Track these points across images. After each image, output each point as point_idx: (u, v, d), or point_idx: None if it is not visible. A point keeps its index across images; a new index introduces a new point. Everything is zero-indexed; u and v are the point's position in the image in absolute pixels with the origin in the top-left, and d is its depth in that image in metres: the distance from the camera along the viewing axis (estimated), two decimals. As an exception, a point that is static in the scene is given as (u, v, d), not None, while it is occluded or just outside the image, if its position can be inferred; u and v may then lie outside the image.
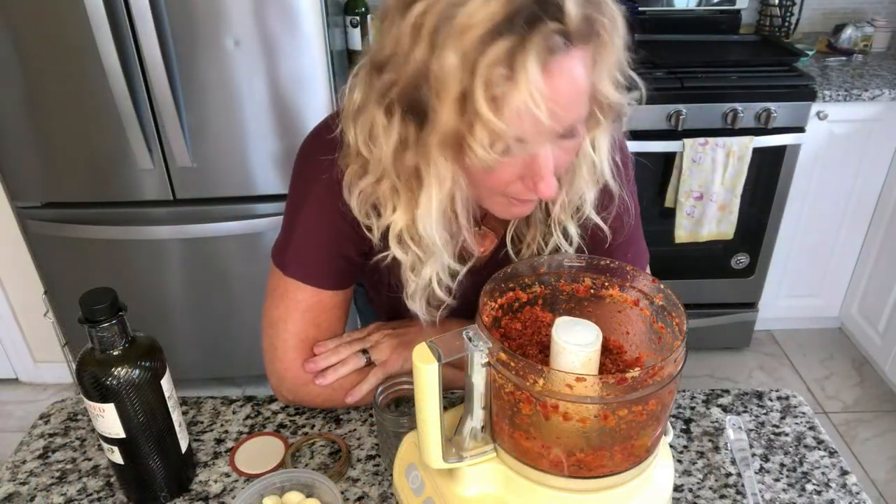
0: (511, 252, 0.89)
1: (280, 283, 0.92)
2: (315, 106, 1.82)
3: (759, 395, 1.00)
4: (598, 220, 0.83)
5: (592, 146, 0.76)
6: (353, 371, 0.94)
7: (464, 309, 0.93)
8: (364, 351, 0.95)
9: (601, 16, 0.64)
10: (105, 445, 0.81)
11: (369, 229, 0.81)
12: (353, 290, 0.99)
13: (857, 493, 0.85)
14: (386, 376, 0.93)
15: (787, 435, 0.93)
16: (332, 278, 0.92)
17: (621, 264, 0.72)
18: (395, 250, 0.80)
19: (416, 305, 0.85)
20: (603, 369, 0.68)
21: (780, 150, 2.10)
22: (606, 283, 0.72)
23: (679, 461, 0.89)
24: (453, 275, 0.87)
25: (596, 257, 0.73)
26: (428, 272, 0.81)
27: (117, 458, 0.81)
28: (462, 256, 0.87)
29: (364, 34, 2.21)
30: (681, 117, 2.02)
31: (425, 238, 0.76)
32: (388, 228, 0.79)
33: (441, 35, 0.61)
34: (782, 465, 0.89)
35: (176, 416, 0.83)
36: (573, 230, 0.84)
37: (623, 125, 0.77)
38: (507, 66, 0.59)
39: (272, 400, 1.00)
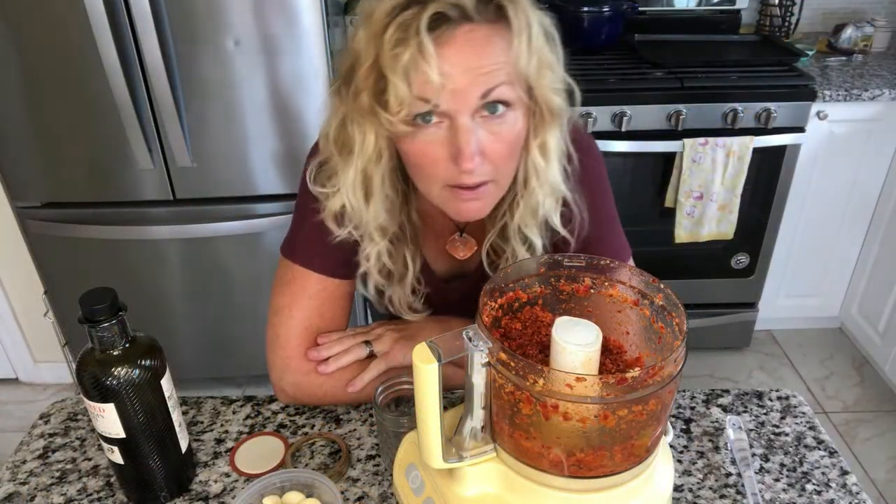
0: (486, 264, 0.93)
1: (288, 272, 0.95)
2: (315, 106, 1.81)
3: (759, 395, 1.00)
4: (560, 228, 0.87)
5: (541, 152, 0.81)
6: (355, 361, 0.95)
7: (457, 314, 0.98)
8: (367, 343, 0.97)
9: (508, 1, 0.72)
10: (105, 445, 0.81)
11: (323, 209, 0.88)
12: (356, 286, 1.01)
13: (857, 493, 0.85)
14: (388, 367, 0.95)
15: (787, 435, 0.93)
16: (338, 268, 0.95)
17: (621, 264, 0.72)
18: (330, 225, 0.87)
19: (368, 289, 0.94)
20: (603, 369, 0.68)
21: (780, 150, 2.10)
22: (606, 283, 0.72)
23: (679, 461, 0.89)
24: (434, 280, 0.97)
25: (596, 257, 0.73)
26: (369, 251, 0.88)
27: (117, 458, 0.81)
28: (449, 263, 0.97)
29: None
30: (681, 117, 2.02)
31: (353, 211, 0.84)
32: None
33: (361, 21, 0.74)
34: (782, 465, 0.89)
35: (176, 416, 0.83)
36: (538, 241, 0.88)
37: (566, 127, 0.83)
38: (404, 30, 0.70)
39: (272, 400, 1.00)
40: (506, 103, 0.75)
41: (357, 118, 0.77)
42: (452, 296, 1.01)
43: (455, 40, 0.71)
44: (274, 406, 1.00)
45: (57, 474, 0.90)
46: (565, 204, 0.87)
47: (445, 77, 0.70)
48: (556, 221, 0.87)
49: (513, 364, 0.61)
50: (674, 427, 0.94)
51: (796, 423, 0.95)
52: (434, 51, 0.69)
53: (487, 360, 0.62)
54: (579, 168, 0.87)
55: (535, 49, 0.74)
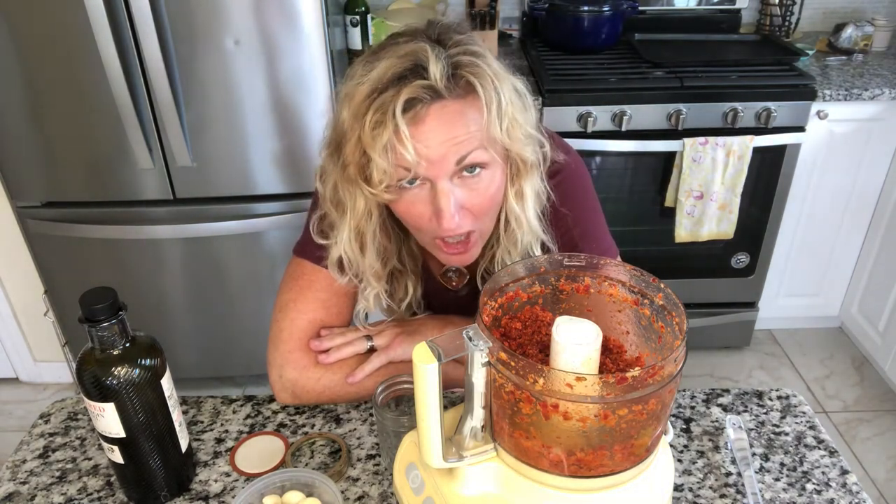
0: (480, 286, 0.98)
1: (297, 269, 0.99)
2: (315, 106, 1.82)
3: (759, 395, 1.00)
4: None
5: (518, 199, 0.87)
6: (355, 355, 0.98)
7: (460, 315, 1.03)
8: (368, 339, 0.99)
9: (475, 77, 0.77)
10: (105, 445, 0.81)
11: (326, 256, 0.94)
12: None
13: (857, 493, 0.85)
14: (388, 361, 0.97)
15: (787, 434, 0.93)
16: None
17: (621, 263, 0.72)
18: (333, 272, 0.94)
19: (358, 323, 1.00)
20: (603, 369, 0.68)
21: (780, 150, 2.10)
22: (606, 283, 0.72)
23: (679, 461, 0.89)
24: (428, 296, 1.05)
25: (596, 257, 0.73)
26: (367, 293, 0.95)
27: (117, 457, 0.81)
28: (445, 280, 1.04)
29: (364, 34, 2.20)
30: (681, 117, 2.02)
31: (351, 262, 0.91)
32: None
33: (345, 102, 0.80)
34: (782, 464, 0.89)
35: (176, 416, 0.83)
36: None
37: (539, 172, 0.88)
38: (381, 113, 0.75)
39: (272, 399, 1.00)
40: (481, 164, 0.80)
41: (347, 185, 0.84)
42: (458, 302, 1.06)
43: (428, 117, 0.76)
44: (274, 406, 1.00)
45: (57, 474, 0.90)
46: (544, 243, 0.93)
47: (420, 153, 0.76)
48: (537, 253, 0.93)
49: (513, 363, 0.61)
50: (674, 427, 0.94)
51: (796, 423, 0.95)
52: (408, 132, 0.75)
53: (487, 359, 0.62)
54: (556, 199, 0.92)
55: (505, 114, 0.79)
